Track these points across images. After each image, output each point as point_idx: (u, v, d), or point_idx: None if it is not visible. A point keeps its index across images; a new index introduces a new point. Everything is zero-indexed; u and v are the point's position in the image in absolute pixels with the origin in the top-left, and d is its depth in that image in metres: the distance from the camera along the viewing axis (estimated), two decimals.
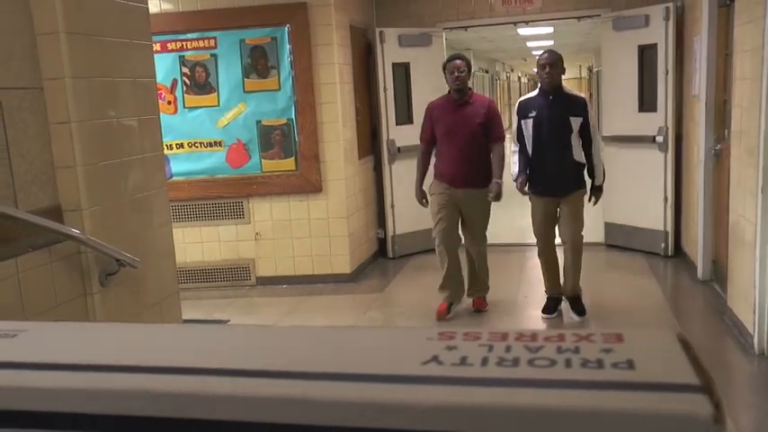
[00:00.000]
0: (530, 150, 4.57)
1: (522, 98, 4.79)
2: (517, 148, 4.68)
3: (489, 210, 4.83)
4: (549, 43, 15.14)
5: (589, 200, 4.66)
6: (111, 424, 0.39)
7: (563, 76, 4.61)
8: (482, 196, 4.70)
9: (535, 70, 4.35)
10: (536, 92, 4.64)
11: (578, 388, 0.34)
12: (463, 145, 4.68)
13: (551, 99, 4.47)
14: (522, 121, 4.58)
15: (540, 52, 4.67)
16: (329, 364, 0.38)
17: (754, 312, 3.86)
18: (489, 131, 4.68)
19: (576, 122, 4.42)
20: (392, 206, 6.61)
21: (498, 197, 4.63)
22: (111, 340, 0.47)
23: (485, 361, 0.37)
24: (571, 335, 0.40)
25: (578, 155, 4.49)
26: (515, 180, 4.68)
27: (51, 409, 0.40)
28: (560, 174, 4.49)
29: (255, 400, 0.36)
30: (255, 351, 0.41)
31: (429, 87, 6.67)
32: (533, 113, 4.50)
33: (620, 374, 0.35)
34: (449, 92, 4.76)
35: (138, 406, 0.39)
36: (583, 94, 4.61)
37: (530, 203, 4.77)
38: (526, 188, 4.67)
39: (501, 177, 4.66)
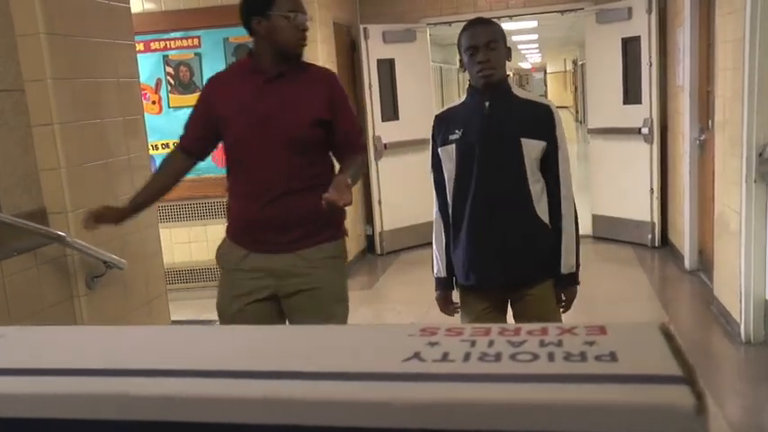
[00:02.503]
0: (450, 200, 2.51)
1: (442, 110, 2.65)
2: (437, 208, 2.58)
3: (344, 290, 2.57)
4: (534, 37, 15.14)
5: (558, 301, 2.53)
6: (94, 429, 0.39)
7: (508, 67, 2.59)
8: (328, 258, 2.46)
9: (465, 58, 2.45)
10: (464, 98, 2.55)
11: (561, 382, 0.34)
12: (279, 163, 2.37)
13: (489, 106, 2.43)
14: (441, 150, 2.50)
15: (465, 23, 2.50)
16: (309, 363, 0.38)
17: (741, 301, 3.89)
18: (336, 135, 2.45)
19: (533, 148, 2.39)
20: (380, 202, 6.61)
21: (342, 197, 2.16)
22: (93, 344, 0.46)
23: (467, 356, 0.37)
24: (554, 328, 0.39)
25: (543, 209, 2.45)
26: (437, 286, 2.61)
27: (32, 416, 0.39)
28: (507, 246, 2.45)
29: (236, 401, 0.35)
30: (235, 351, 0.41)
31: (415, 83, 6.70)
32: (458, 132, 2.45)
33: (602, 367, 0.35)
34: (248, 55, 2.48)
35: (122, 410, 0.38)
36: (546, 100, 2.59)
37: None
38: (455, 293, 2.61)
39: (354, 180, 2.36)
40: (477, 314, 2.55)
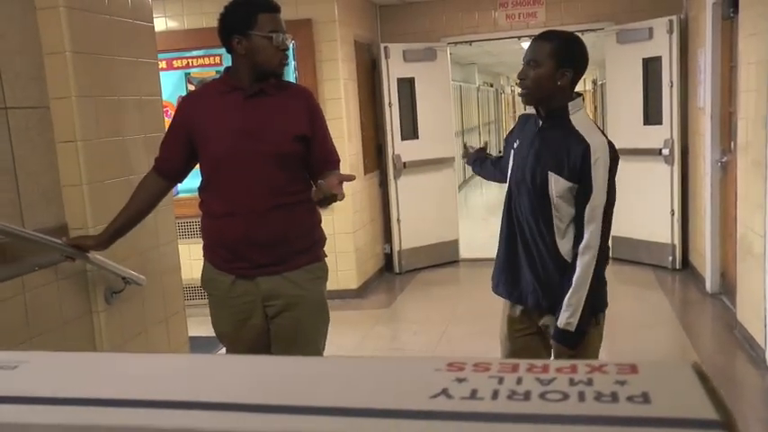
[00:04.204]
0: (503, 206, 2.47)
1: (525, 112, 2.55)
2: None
3: (326, 309, 2.56)
4: None
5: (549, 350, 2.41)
6: None
7: (560, 84, 2.26)
8: (314, 279, 2.48)
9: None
10: None
11: (593, 424, 0.33)
12: (264, 179, 2.35)
13: (540, 128, 2.33)
14: (507, 148, 2.54)
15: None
16: (331, 398, 0.37)
17: (765, 325, 3.82)
18: (314, 151, 2.43)
19: (559, 186, 2.24)
20: (398, 221, 6.60)
21: (327, 196, 2.20)
22: (116, 372, 0.46)
23: (495, 394, 0.36)
24: (584, 365, 0.38)
25: (566, 247, 2.29)
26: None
27: None
28: (526, 271, 2.38)
29: None
30: (252, 383, 0.40)
31: (435, 102, 6.71)
32: (518, 142, 2.43)
33: (635, 409, 0.34)
34: (226, 73, 2.48)
35: None
36: (594, 137, 2.23)
37: None
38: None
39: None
40: (508, 332, 2.51)
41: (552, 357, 2.33)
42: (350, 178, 2.28)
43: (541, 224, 2.30)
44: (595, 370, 0.38)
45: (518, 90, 2.31)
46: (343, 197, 2.17)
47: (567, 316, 2.25)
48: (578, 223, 2.25)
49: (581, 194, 2.22)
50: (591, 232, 2.22)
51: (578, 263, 2.24)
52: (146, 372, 0.44)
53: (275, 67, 2.38)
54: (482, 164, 2.80)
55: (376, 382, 0.39)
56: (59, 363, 0.47)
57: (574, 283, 2.24)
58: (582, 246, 2.23)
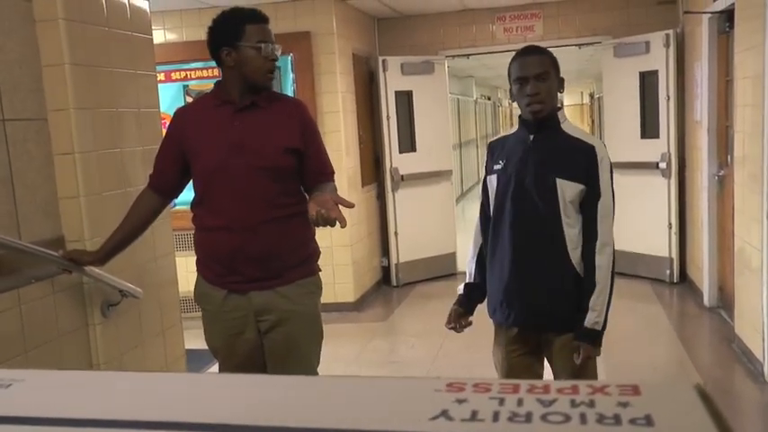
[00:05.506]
0: (490, 230, 2.43)
1: (495, 137, 2.58)
2: (478, 227, 2.52)
3: (320, 324, 2.51)
4: None
5: (573, 352, 2.32)
6: None
7: (560, 98, 2.43)
8: (307, 294, 2.44)
9: (514, 89, 2.35)
10: (515, 128, 2.46)
11: None
12: (257, 192, 2.33)
13: (533, 140, 2.33)
14: (488, 179, 2.45)
15: (516, 51, 2.43)
16: (330, 419, 0.36)
17: (763, 339, 3.81)
18: (307, 164, 2.41)
19: (569, 190, 2.26)
20: (396, 234, 6.60)
21: (334, 210, 2.13)
22: (110, 392, 0.45)
23: (496, 416, 0.35)
24: (585, 386, 0.38)
25: (577, 256, 2.30)
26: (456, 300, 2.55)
27: None
28: (531, 289, 2.36)
29: None
30: (252, 403, 0.40)
31: (432, 115, 6.73)
32: (501, 163, 2.38)
33: None
34: (216, 86, 2.44)
35: None
36: (594, 140, 2.36)
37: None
38: (465, 319, 2.52)
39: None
40: (504, 353, 2.48)
41: (579, 357, 2.30)
42: (348, 204, 2.21)
43: (549, 237, 2.31)
44: (597, 391, 0.37)
45: (531, 108, 2.28)
46: (345, 224, 2.10)
47: (595, 316, 2.27)
48: (589, 225, 2.28)
49: (590, 195, 2.27)
50: (605, 229, 2.27)
51: (597, 262, 2.26)
52: (140, 392, 0.44)
53: (263, 78, 2.36)
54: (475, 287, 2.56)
55: (375, 403, 0.38)
56: (54, 382, 0.46)
57: (598, 282, 2.26)
58: (598, 244, 2.26)
